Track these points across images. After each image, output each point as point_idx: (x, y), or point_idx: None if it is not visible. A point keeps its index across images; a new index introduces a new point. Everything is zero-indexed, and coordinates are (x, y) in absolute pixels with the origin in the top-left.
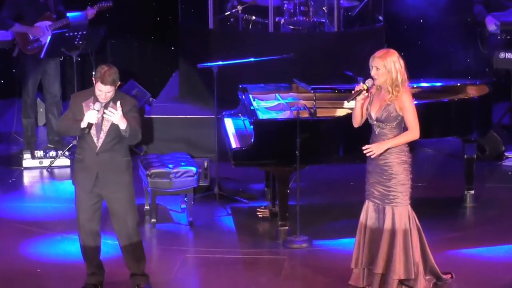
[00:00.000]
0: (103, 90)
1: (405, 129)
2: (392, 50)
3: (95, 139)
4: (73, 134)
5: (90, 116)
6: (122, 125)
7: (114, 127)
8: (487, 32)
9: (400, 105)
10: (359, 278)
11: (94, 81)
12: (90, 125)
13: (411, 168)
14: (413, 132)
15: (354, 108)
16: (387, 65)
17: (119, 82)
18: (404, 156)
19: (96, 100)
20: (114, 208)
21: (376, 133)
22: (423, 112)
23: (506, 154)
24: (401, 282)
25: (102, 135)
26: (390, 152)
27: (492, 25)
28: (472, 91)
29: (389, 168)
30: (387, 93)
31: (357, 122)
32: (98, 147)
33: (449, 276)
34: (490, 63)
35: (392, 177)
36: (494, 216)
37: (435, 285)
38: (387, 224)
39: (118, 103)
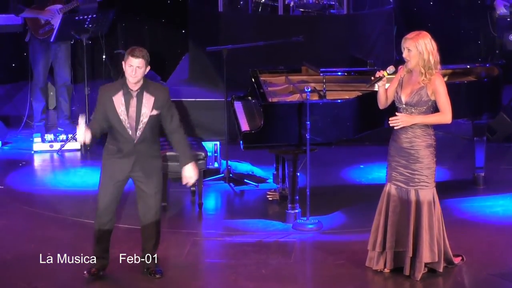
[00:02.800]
0: (134, 64)
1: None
2: (424, 32)
3: (129, 132)
4: None
5: (79, 134)
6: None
7: (151, 120)
8: (497, 14)
9: (433, 89)
10: (376, 261)
11: (123, 65)
12: (84, 145)
13: (436, 151)
14: (445, 115)
15: (378, 92)
16: (419, 47)
17: (149, 66)
18: (430, 140)
19: (126, 91)
20: (143, 190)
21: None
22: None
23: None
24: (425, 264)
25: (141, 126)
26: (417, 135)
27: (501, 8)
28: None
29: (415, 152)
30: (419, 76)
31: (381, 104)
32: (136, 138)
33: (460, 258)
34: (500, 45)
35: (418, 161)
36: (504, 197)
37: (445, 268)
38: (413, 207)
39: (191, 168)
